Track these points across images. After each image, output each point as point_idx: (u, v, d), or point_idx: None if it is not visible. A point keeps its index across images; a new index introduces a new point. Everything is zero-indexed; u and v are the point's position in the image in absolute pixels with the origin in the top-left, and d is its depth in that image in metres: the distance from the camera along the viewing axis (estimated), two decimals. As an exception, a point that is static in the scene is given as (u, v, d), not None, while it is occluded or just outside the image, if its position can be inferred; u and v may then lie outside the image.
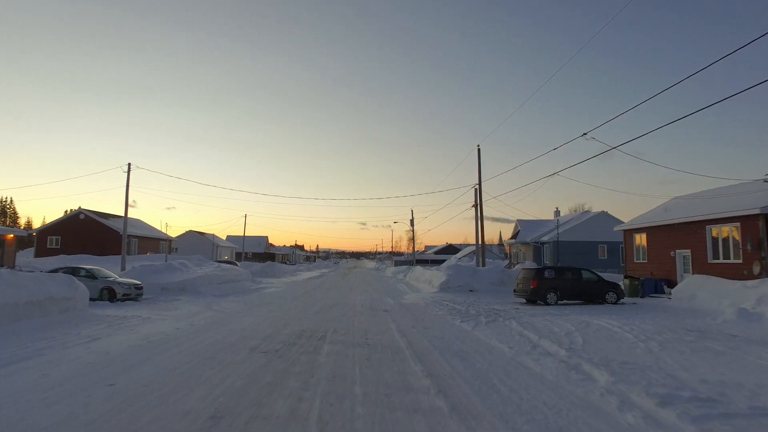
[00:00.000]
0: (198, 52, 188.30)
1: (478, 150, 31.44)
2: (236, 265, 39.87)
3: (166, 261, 27.22)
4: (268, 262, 53.27)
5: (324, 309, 16.26)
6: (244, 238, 60.31)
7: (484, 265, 30.67)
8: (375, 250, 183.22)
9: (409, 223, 58.98)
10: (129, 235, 37.17)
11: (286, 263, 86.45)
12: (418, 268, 39.85)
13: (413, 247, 60.97)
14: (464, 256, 60.26)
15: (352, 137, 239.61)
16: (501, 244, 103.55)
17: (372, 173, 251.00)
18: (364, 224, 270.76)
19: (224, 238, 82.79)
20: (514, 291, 19.94)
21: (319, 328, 11.43)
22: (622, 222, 39.96)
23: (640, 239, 24.14)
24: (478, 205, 30.52)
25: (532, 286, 18.61)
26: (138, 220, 43.83)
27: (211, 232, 63.23)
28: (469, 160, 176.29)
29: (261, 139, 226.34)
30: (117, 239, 35.92)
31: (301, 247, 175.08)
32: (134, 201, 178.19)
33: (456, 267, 27.70)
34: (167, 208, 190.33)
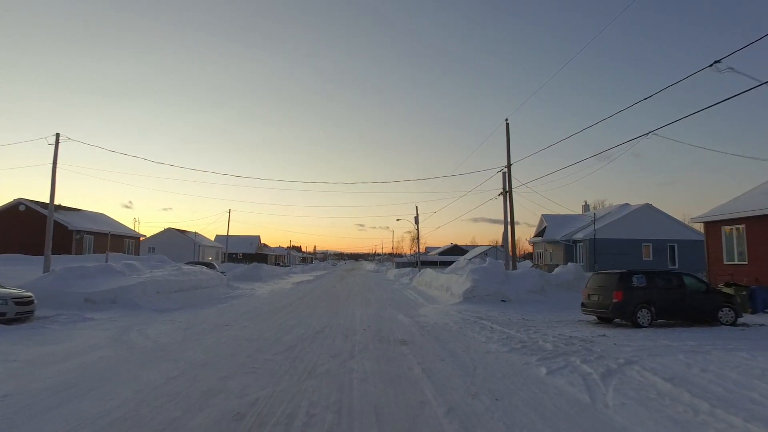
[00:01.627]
0: (196, 53, 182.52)
1: (507, 125, 25.49)
2: (214, 267, 33.81)
3: (107, 261, 21.16)
4: (254, 263, 47.10)
5: (304, 340, 10.21)
6: (227, 237, 54.05)
7: (515, 267, 24.67)
8: (374, 251, 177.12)
9: (410, 222, 52.90)
10: (83, 232, 31.12)
11: (279, 265, 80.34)
12: (428, 271, 33.85)
13: (418, 248, 54.89)
14: (475, 257, 54.24)
15: (350, 137, 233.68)
16: (503, 245, 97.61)
17: (373, 174, 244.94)
18: (362, 225, 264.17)
19: (213, 238, 76.72)
20: (583, 305, 13.95)
21: (276, 406, 5.37)
22: (670, 216, 34.03)
23: (733, 233, 18.13)
24: (507, 192, 24.50)
25: (615, 300, 12.62)
26: (101, 215, 37.59)
27: (194, 230, 56.90)
28: (478, 153, 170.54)
29: (258, 139, 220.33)
30: (66, 234, 29.90)
31: (298, 249, 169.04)
32: (130, 202, 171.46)
33: (483, 270, 21.66)
34: (164, 209, 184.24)
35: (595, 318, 13.92)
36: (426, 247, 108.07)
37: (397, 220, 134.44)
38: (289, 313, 15.46)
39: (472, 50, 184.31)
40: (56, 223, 29.27)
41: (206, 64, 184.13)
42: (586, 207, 41.90)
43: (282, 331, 11.22)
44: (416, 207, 47.96)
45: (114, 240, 34.55)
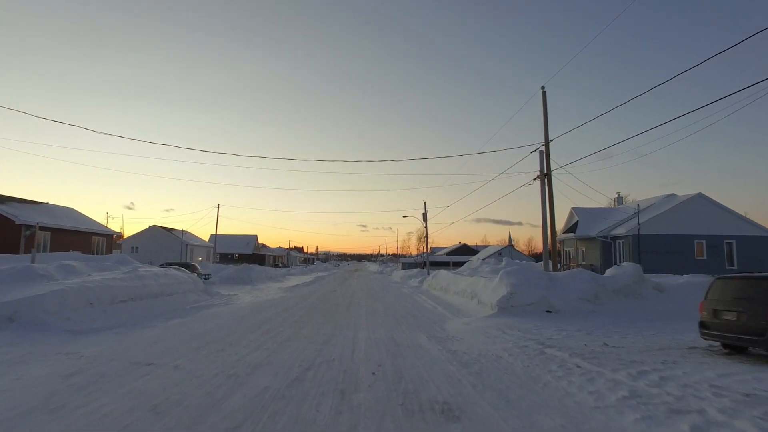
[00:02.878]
0: (196, 53, 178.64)
1: (543, 94, 20.77)
2: (195, 268, 29.24)
3: (33, 261, 16.57)
4: (244, 264, 42.45)
5: (260, 408, 5.52)
6: (216, 236, 49.24)
7: (555, 268, 19.96)
8: (378, 251, 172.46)
9: (417, 218, 48.13)
10: (35, 227, 26.51)
11: (277, 266, 75.68)
12: (442, 273, 29.14)
13: (427, 247, 50.18)
14: (488, 257, 49.56)
15: (351, 137, 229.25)
16: (511, 245, 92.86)
17: (373, 175, 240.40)
18: (365, 226, 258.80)
19: (207, 238, 72.15)
20: (703, 326, 9.20)
21: None
22: (725, 208, 29.13)
23: None
24: (546, 174, 19.78)
25: (773, 321, 7.87)
26: (67, 209, 32.94)
27: (182, 228, 52.16)
28: (483, 152, 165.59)
29: (258, 139, 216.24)
30: (13, 230, 25.34)
31: (301, 249, 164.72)
32: (132, 203, 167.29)
33: (520, 272, 16.99)
34: (165, 210, 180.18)
35: (720, 343, 9.21)
36: (431, 248, 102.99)
37: (404, 216, 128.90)
38: (262, 335, 10.76)
39: (472, 49, 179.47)
40: (5, 218, 24.83)
41: (206, 65, 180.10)
42: (619, 200, 37.06)
43: (231, 381, 6.52)
44: (424, 203, 43.40)
45: (79, 237, 29.92)
